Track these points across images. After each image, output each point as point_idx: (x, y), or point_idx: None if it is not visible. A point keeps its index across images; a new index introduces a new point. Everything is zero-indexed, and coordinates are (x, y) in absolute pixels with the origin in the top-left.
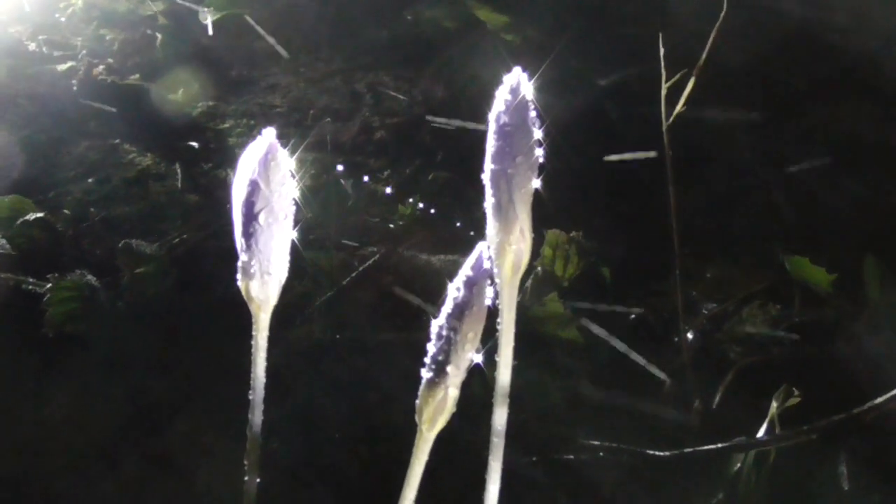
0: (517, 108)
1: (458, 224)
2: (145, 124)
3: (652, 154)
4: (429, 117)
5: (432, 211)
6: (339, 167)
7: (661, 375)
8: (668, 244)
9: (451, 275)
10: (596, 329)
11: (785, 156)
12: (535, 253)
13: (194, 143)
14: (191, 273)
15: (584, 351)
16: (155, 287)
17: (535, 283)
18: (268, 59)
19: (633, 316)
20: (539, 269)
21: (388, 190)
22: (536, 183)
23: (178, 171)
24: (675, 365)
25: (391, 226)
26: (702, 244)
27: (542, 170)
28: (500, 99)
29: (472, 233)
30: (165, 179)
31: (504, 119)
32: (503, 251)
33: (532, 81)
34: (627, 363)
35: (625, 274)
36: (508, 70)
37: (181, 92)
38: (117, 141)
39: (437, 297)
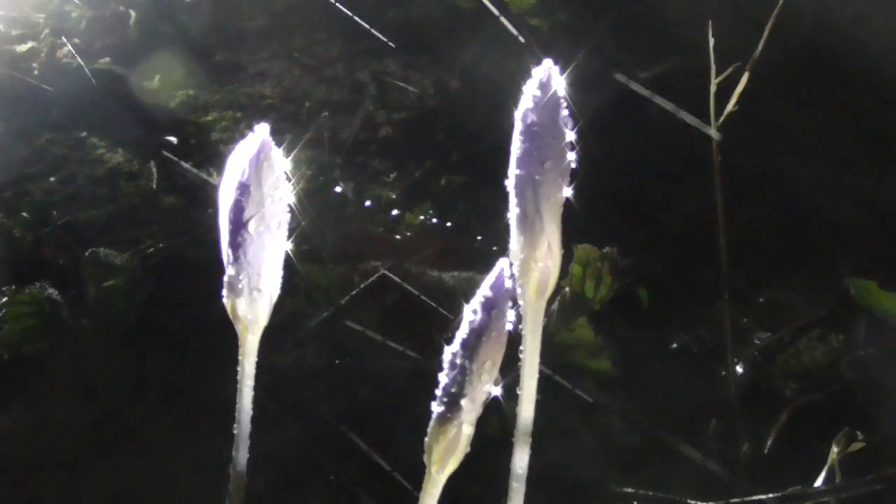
0: (547, 105)
1: (476, 236)
2: (116, 115)
3: (699, 158)
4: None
5: (445, 220)
6: (339, 168)
7: (706, 414)
8: (715, 263)
9: (467, 294)
10: (631, 359)
11: (854, 164)
12: (564, 271)
13: (172, 138)
14: (167, 287)
15: (618, 384)
16: (125, 303)
17: (562, 306)
18: (258, 42)
19: (674, 345)
20: (567, 289)
21: (394, 195)
22: (567, 191)
23: (154, 169)
24: (722, 402)
25: (397, 237)
26: (754, 263)
27: (573, 176)
28: (528, 94)
29: (493, 247)
30: (139, 179)
31: (532, 118)
32: (528, 269)
33: (564, 74)
34: (667, 399)
35: (665, 296)
36: (536, 60)
37: (158, 78)
38: (84, 134)
39: (450, 320)
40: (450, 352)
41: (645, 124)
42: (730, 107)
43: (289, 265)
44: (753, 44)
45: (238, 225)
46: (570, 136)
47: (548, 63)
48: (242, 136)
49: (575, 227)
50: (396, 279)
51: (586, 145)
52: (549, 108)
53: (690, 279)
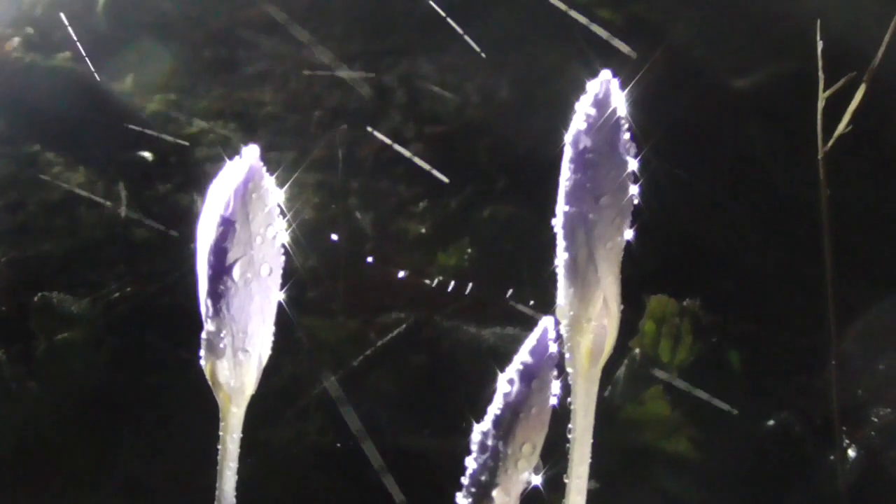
0: (604, 127)
1: (525, 284)
2: (77, 124)
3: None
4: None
5: (487, 263)
6: (355, 196)
7: None
8: (821, 320)
9: (510, 356)
10: (717, 440)
11: None
12: (633, 328)
13: (146, 154)
14: (134, 344)
15: (699, 472)
16: (83, 362)
17: (630, 372)
18: (256, 34)
19: (770, 422)
20: (637, 351)
21: (424, 230)
22: (629, 234)
23: (123, 194)
24: (830, 493)
25: (426, 282)
26: (871, 322)
27: (637, 215)
28: (581, 114)
29: (546, 298)
30: (103, 205)
31: (585, 143)
32: (579, 328)
33: (631, 86)
34: (761, 489)
35: (759, 362)
36: (604, 63)
37: (130, 79)
38: (36, 148)
39: (486, 389)
40: (480, 431)
41: (735, 148)
42: (842, 127)
43: (285, 318)
44: (872, 49)
45: (219, 271)
46: (633, 164)
47: (605, 74)
48: (236, 152)
49: (645, 274)
50: (423, 336)
51: (654, 176)
52: (606, 131)
53: (790, 341)
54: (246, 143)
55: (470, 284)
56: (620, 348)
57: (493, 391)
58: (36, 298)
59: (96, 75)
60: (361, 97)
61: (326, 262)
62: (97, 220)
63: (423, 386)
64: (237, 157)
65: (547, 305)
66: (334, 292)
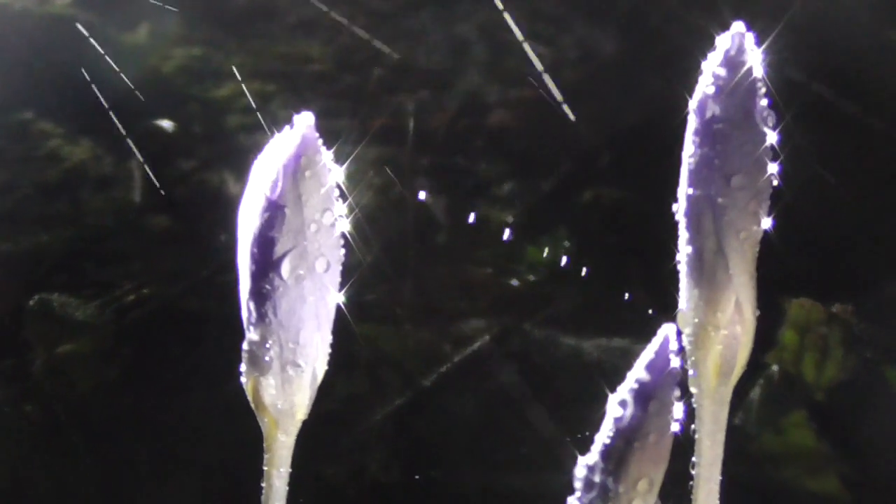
0: (736, 91)
1: (635, 285)
2: (79, 86)
3: None
4: None
5: (588, 258)
6: (425, 175)
7: None
8: None
9: (620, 373)
10: (874, 477)
11: None
12: (771, 339)
13: (165, 124)
14: (153, 357)
15: None
16: (91, 379)
17: (766, 393)
18: None
19: None
20: (775, 368)
21: (511, 217)
22: (766, 222)
23: (136, 173)
24: None
25: (513, 282)
26: None
27: (776, 199)
28: (707, 75)
29: (659, 303)
30: (113, 187)
31: (713, 110)
32: (705, 338)
33: (770, 40)
34: None
35: None
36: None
37: (144, 29)
38: (29, 115)
39: (592, 414)
40: (584, 465)
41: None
42: None
43: (344, 327)
44: None
45: (265, 266)
46: (772, 136)
47: (738, 26)
48: (276, 123)
49: (786, 273)
50: (510, 349)
51: (798, 151)
52: (739, 96)
53: None
54: (289, 109)
55: (568, 285)
56: (755, 364)
57: (601, 416)
58: (32, 301)
59: (101, 25)
60: (430, 52)
61: (390, 257)
62: (105, 206)
63: (511, 410)
64: (287, 127)
65: (666, 311)
66: (400, 294)
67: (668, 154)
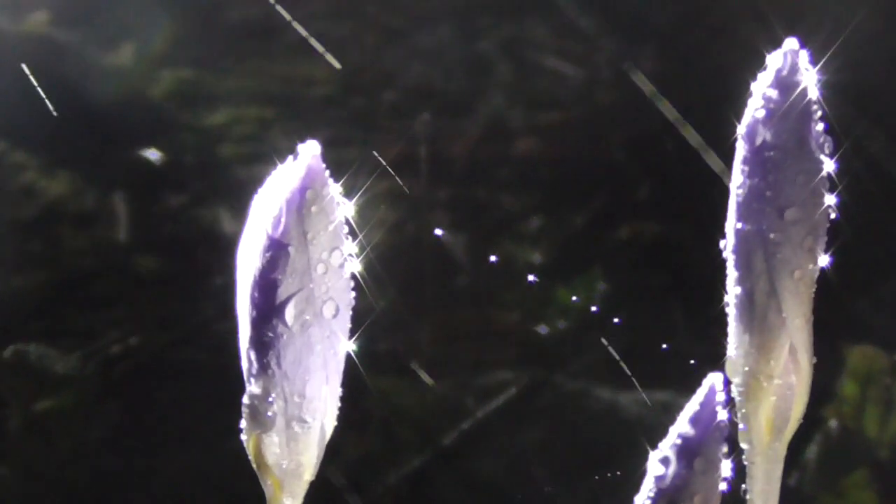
0: (789, 115)
1: (677, 332)
2: (58, 112)
3: None
4: None
5: (624, 301)
6: (443, 210)
7: None
8: None
9: (661, 429)
10: None
11: None
12: (829, 390)
13: (153, 154)
14: (142, 414)
15: None
16: (72, 440)
17: (825, 450)
18: None
19: None
20: (833, 422)
21: (539, 256)
22: (824, 260)
23: (121, 208)
24: None
25: (542, 328)
26: None
27: (834, 234)
28: (758, 97)
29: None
30: (94, 224)
31: (764, 136)
32: (757, 389)
33: (826, 59)
34: None
35: None
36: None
37: (129, 49)
38: (2, 146)
39: (631, 473)
40: None
41: None
42: None
43: (355, 379)
44: None
45: (267, 312)
46: (830, 165)
47: (791, 43)
48: (277, 153)
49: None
50: (540, 403)
51: (858, 181)
52: (793, 120)
53: None
54: (292, 138)
55: (602, 332)
56: (812, 418)
57: (642, 475)
58: (7, 352)
59: (83, 45)
60: (450, 70)
61: (405, 301)
62: (86, 246)
63: (542, 471)
64: (290, 158)
65: (712, 360)
66: (416, 343)
67: (712, 185)
